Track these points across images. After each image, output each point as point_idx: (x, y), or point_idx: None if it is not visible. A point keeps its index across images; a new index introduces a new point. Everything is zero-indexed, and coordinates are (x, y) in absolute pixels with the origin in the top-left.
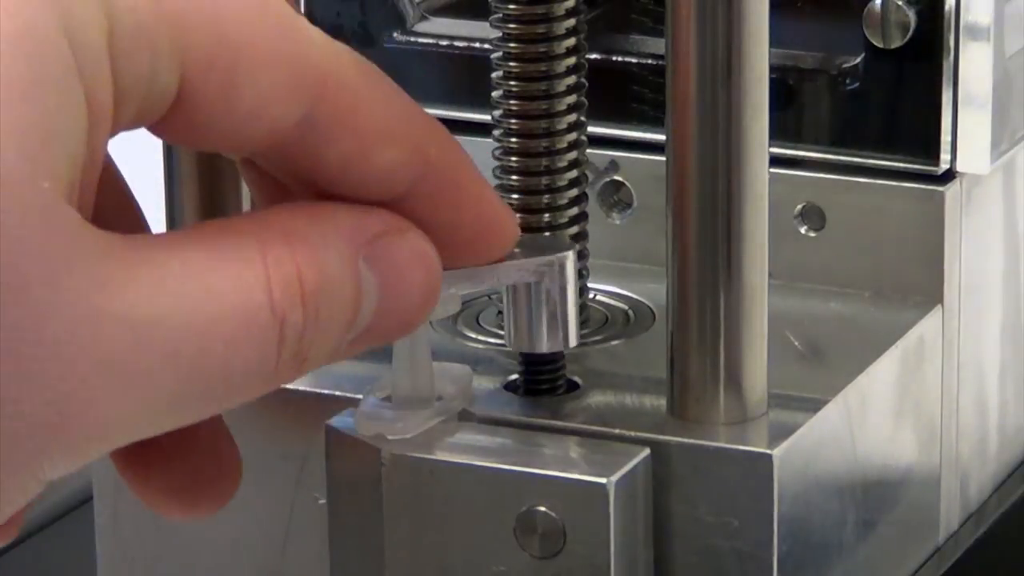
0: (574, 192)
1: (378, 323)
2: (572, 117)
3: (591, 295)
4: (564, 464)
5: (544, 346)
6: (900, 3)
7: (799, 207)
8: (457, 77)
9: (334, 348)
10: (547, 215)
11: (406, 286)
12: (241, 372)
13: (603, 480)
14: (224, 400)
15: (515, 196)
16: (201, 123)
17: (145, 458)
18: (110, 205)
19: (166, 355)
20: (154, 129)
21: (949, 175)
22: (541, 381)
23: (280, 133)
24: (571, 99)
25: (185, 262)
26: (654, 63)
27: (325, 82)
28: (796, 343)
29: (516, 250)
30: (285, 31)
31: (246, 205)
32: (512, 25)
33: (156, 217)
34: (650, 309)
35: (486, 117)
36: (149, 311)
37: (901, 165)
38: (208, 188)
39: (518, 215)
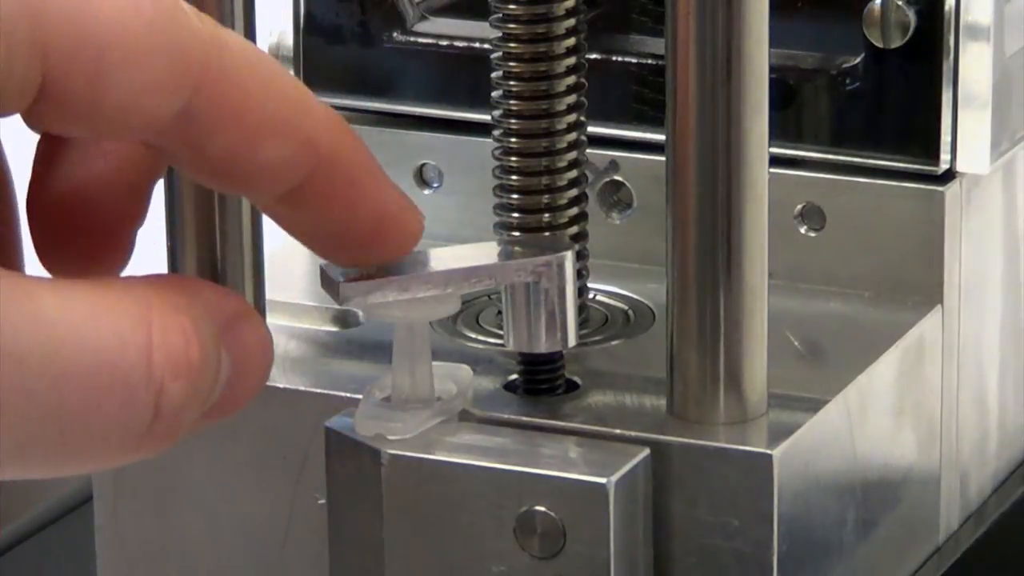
0: (574, 192)
1: (221, 403)
2: (572, 117)
3: (591, 295)
4: (564, 464)
5: (543, 346)
6: (900, 3)
7: (799, 207)
8: (457, 77)
9: (193, 425)
10: (547, 215)
11: (252, 368)
12: (102, 431)
13: (603, 480)
14: (81, 458)
15: (515, 196)
16: (69, 114)
17: (51, 204)
18: None
19: (20, 392)
20: (23, 118)
21: (949, 175)
22: (540, 381)
23: (157, 124)
24: (571, 99)
25: (62, 305)
26: (654, 63)
27: (205, 72)
28: (796, 343)
29: (516, 249)
30: (160, 21)
31: (246, 205)
32: (512, 25)
33: (158, 213)
34: (650, 309)
35: (486, 117)
36: (9, 343)
37: (901, 165)
38: (207, 190)
39: (518, 215)
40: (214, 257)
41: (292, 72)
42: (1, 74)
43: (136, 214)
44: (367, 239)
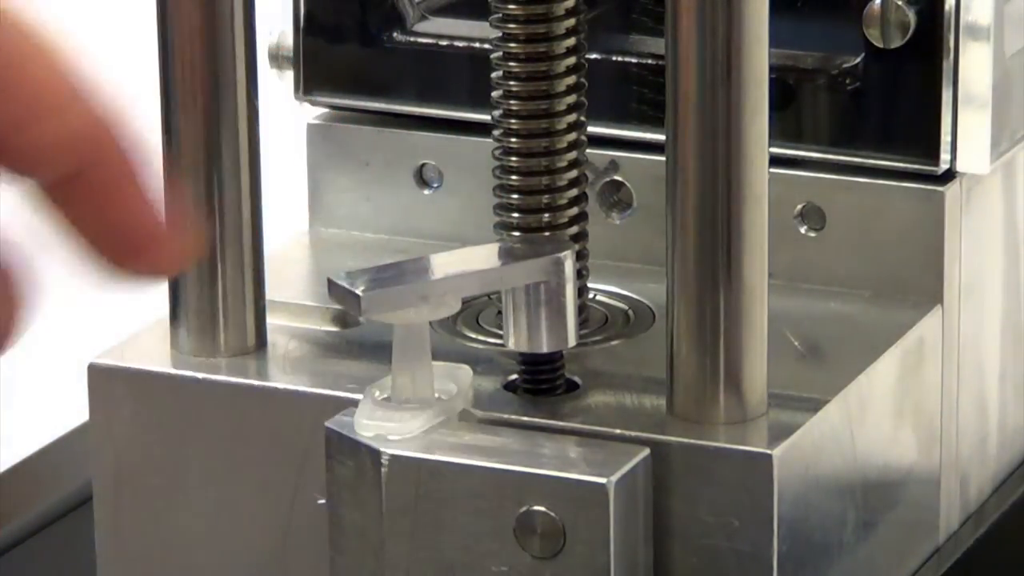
0: (574, 192)
1: None
2: (572, 117)
3: (591, 295)
4: (564, 464)
5: (543, 346)
6: (900, 3)
7: (799, 207)
8: (457, 77)
9: None
10: (547, 215)
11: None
12: None
13: (603, 480)
14: None
15: (515, 196)
16: None
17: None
18: None
19: None
20: None
21: (949, 175)
22: (541, 381)
23: None
24: (571, 99)
25: None
26: (654, 63)
27: None
28: (796, 343)
29: (516, 250)
30: None
31: (246, 205)
32: (512, 25)
33: None
34: (650, 309)
35: (486, 117)
36: None
37: (901, 165)
38: (208, 190)
39: (518, 215)
40: (214, 257)
41: (292, 72)
42: None
43: None
44: (117, 246)
